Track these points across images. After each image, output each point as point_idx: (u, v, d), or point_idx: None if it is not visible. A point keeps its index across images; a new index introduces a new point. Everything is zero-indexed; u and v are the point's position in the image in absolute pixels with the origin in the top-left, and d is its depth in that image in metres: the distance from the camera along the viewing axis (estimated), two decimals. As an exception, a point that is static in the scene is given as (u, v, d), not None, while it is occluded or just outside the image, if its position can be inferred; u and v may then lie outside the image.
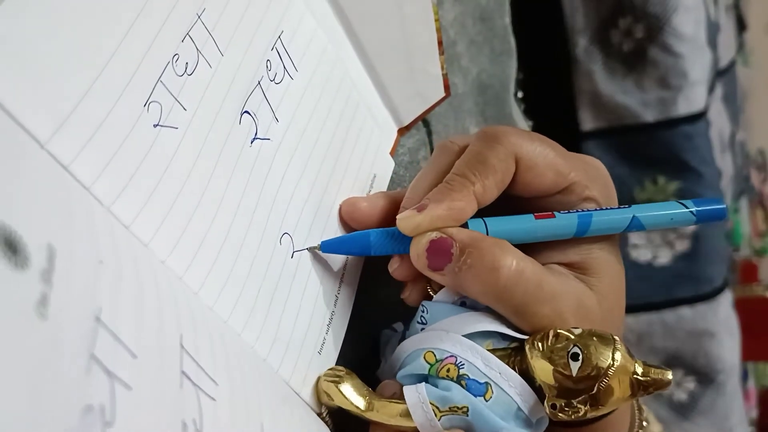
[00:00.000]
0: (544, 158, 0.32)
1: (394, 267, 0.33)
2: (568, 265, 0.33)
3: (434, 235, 0.30)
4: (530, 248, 0.32)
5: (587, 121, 0.74)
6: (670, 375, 0.29)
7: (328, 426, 0.31)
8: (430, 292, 0.33)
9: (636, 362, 0.29)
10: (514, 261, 0.30)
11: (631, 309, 0.77)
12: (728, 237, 0.99)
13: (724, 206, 0.34)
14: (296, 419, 0.29)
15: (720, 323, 0.77)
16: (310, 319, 0.31)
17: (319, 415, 0.31)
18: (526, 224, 0.32)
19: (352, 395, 0.31)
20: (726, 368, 0.78)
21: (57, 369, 0.16)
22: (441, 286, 0.32)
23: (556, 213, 0.32)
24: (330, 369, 0.32)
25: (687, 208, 0.33)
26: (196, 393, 0.21)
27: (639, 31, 0.71)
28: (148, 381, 0.19)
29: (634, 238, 0.76)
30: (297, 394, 0.30)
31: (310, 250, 0.32)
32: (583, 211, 0.32)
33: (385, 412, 0.30)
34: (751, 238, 1.23)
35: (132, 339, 0.19)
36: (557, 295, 0.31)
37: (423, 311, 0.32)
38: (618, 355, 0.28)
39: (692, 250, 0.75)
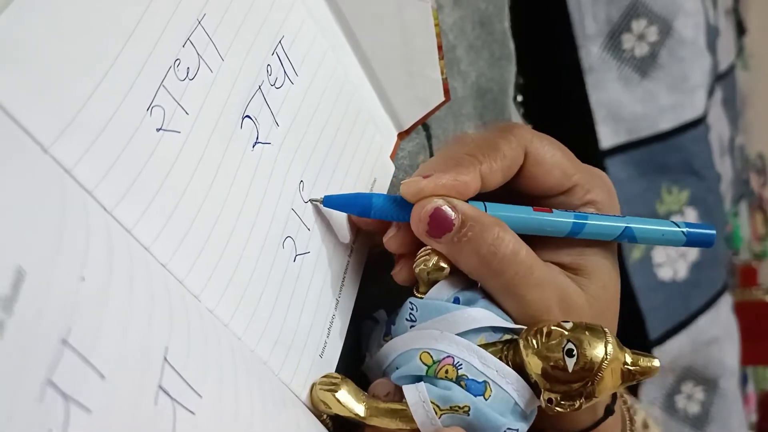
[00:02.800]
0: (552, 157, 0.34)
1: (390, 236, 0.33)
2: (559, 265, 0.33)
3: (439, 202, 0.31)
4: None
5: (607, 138, 0.69)
6: (657, 362, 0.31)
7: (329, 429, 0.31)
8: (417, 294, 0.32)
9: (625, 352, 0.30)
10: (511, 241, 0.31)
11: (670, 333, 0.74)
12: (728, 241, 0.99)
13: (714, 233, 0.35)
14: (296, 422, 0.29)
15: (721, 327, 0.77)
16: (312, 323, 0.32)
17: (319, 417, 0.31)
18: (523, 214, 0.32)
19: (350, 403, 0.30)
20: (726, 373, 0.78)
21: (10, 398, 0.16)
22: (428, 287, 0.32)
23: (553, 210, 0.33)
24: (324, 376, 0.31)
25: (679, 228, 0.34)
26: (172, 408, 0.21)
27: (652, 34, 0.68)
28: (115, 401, 0.19)
29: (657, 257, 0.73)
30: (297, 397, 0.30)
31: (313, 201, 0.32)
32: (580, 212, 0.33)
33: (385, 416, 0.30)
34: (750, 242, 1.23)
35: (105, 358, 0.19)
36: (545, 283, 0.32)
37: (412, 309, 0.32)
38: (610, 348, 0.30)
39: (700, 257, 0.74)
